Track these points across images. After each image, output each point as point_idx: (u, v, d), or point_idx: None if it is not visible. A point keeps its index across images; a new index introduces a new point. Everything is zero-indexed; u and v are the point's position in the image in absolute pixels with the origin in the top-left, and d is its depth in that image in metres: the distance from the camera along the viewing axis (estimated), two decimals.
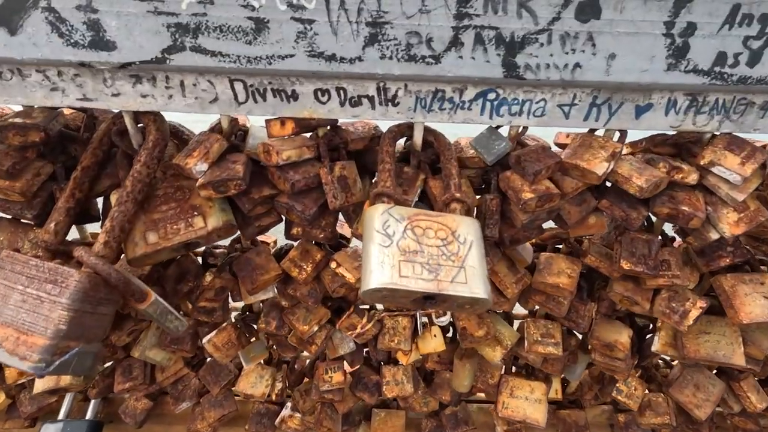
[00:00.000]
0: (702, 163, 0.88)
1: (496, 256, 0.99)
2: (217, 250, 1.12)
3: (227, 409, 1.36)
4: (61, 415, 1.34)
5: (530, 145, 0.91)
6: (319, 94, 0.83)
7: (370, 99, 0.84)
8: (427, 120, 0.87)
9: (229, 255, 1.04)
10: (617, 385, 1.32)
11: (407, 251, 0.69)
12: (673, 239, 1.11)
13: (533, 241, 1.18)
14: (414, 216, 0.74)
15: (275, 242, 1.20)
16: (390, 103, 0.84)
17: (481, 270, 0.71)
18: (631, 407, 1.32)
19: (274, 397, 1.36)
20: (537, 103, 0.84)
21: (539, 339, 1.14)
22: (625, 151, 0.97)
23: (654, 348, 1.16)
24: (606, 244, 1.11)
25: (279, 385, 1.35)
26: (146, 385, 1.26)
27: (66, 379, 1.21)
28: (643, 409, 1.32)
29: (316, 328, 1.11)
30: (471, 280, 0.69)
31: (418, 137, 0.90)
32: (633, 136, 0.98)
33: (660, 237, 1.05)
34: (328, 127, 0.91)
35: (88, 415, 1.36)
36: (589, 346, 1.23)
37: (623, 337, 1.14)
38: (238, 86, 0.82)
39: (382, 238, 0.70)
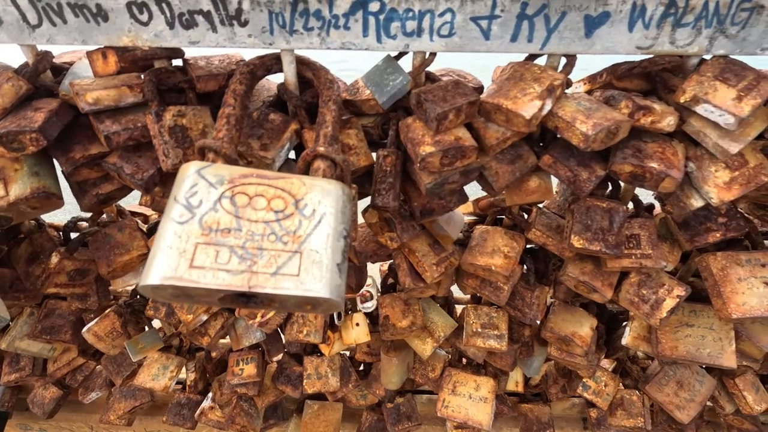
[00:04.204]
0: (682, 100, 0.62)
1: (407, 231, 0.76)
2: (83, 224, 0.93)
3: (139, 401, 1.21)
4: None
5: (441, 81, 0.66)
6: (135, 9, 0.60)
7: (206, 15, 0.60)
8: (291, 46, 0.63)
9: (83, 231, 0.84)
10: (584, 380, 1.11)
11: (213, 230, 0.48)
12: (652, 207, 0.86)
13: (470, 210, 0.94)
14: (240, 178, 0.52)
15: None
16: (235, 22, 0.61)
17: (329, 256, 0.49)
18: (601, 406, 1.12)
19: (187, 389, 1.20)
20: (441, 16, 0.59)
21: (479, 330, 0.93)
22: (581, 88, 0.72)
23: (624, 341, 0.94)
24: (563, 214, 0.87)
25: (192, 376, 1.19)
26: (36, 376, 1.11)
27: None
28: (615, 408, 1.12)
29: (204, 317, 0.92)
30: (306, 272, 0.47)
31: (288, 72, 0.67)
32: (594, 66, 0.72)
33: (629, 205, 0.80)
34: (168, 62, 0.68)
35: None
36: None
37: (584, 329, 0.92)
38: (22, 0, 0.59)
39: (179, 211, 0.48)
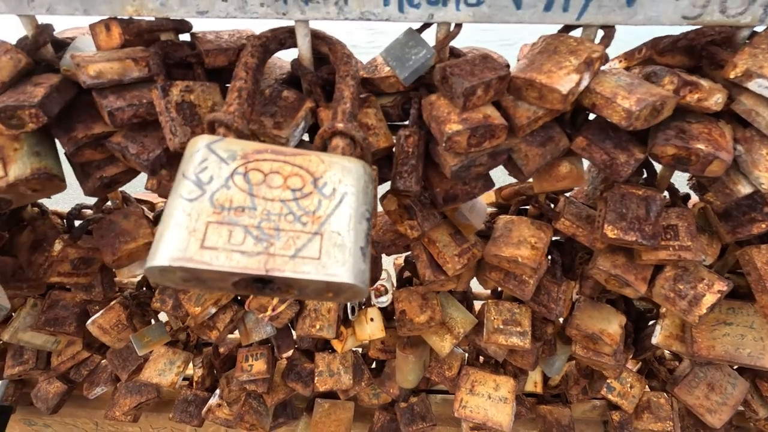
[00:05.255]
0: (732, 75, 0.57)
1: (428, 220, 0.72)
2: (88, 212, 0.90)
3: (145, 397, 1.18)
4: None
5: (466, 55, 0.61)
6: None
7: None
8: (306, 16, 0.58)
9: (88, 218, 0.81)
10: (608, 381, 1.06)
11: (226, 208, 0.44)
12: (687, 197, 0.81)
13: (492, 200, 0.89)
14: (254, 153, 0.48)
15: None
16: None
17: (352, 238, 0.45)
18: (626, 408, 1.06)
19: (194, 386, 1.16)
20: None
21: (500, 327, 0.88)
22: (617, 65, 0.67)
23: (654, 340, 0.88)
24: (592, 203, 0.82)
25: (199, 372, 1.15)
26: (40, 370, 1.08)
27: None
28: (641, 411, 1.06)
29: (213, 310, 0.88)
30: (328, 255, 0.43)
31: (303, 46, 0.62)
32: (629, 43, 0.67)
33: (665, 194, 0.75)
34: (175, 35, 0.64)
35: None
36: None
37: (612, 326, 0.87)
38: None
39: (188, 188, 0.44)
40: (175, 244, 0.41)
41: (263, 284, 0.45)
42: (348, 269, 0.43)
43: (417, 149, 0.62)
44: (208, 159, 0.46)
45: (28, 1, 0.58)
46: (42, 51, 0.63)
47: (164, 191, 0.70)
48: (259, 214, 0.44)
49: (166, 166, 0.66)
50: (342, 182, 0.48)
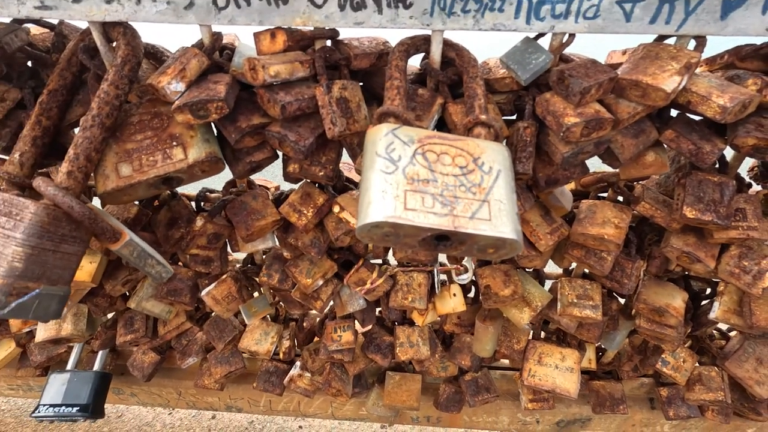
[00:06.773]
0: None
1: (527, 202, 0.83)
2: (212, 195, 1.02)
3: (234, 366, 1.29)
4: (69, 366, 1.32)
5: (576, 60, 0.72)
6: None
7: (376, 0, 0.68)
8: (447, 27, 0.70)
9: (223, 198, 0.93)
10: (663, 356, 1.16)
11: (416, 180, 0.55)
12: (749, 186, 0.91)
13: (571, 187, 1.00)
14: (426, 138, 0.59)
15: (277, 188, 1.08)
16: (401, 5, 0.68)
17: (510, 205, 0.56)
18: (678, 381, 1.17)
19: (281, 356, 1.28)
20: None
21: (575, 301, 0.99)
22: (698, 70, 0.78)
23: (713, 315, 0.99)
24: (663, 191, 0.93)
25: (286, 343, 1.27)
26: (148, 338, 1.20)
27: (67, 329, 1.16)
28: (693, 383, 1.16)
29: (320, 282, 0.99)
30: (496, 217, 0.54)
31: (435, 52, 0.74)
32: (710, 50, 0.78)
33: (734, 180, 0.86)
34: (327, 41, 0.75)
35: (96, 367, 1.33)
36: (633, 311, 1.08)
37: (677, 301, 0.97)
38: None
39: (384, 164, 0.56)
40: (385, 206, 0.52)
41: (438, 241, 0.57)
42: (512, 229, 0.54)
43: (533, 138, 0.73)
44: (394, 142, 0.58)
45: (215, 13, 0.70)
46: (214, 55, 0.75)
47: (305, 174, 0.82)
48: (440, 185, 0.55)
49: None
50: (495, 162, 0.59)
